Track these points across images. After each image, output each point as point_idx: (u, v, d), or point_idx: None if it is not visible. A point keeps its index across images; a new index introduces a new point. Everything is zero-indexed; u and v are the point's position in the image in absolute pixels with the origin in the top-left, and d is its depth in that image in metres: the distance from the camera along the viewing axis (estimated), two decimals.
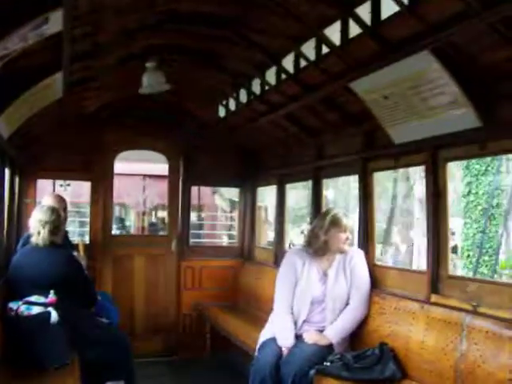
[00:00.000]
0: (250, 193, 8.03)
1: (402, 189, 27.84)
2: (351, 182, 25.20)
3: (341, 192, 28.28)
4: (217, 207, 17.71)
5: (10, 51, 3.25)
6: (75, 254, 5.95)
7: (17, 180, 6.26)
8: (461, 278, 4.31)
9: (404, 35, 3.65)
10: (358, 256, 4.92)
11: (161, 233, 8.54)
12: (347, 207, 25.30)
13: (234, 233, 8.65)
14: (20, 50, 3.36)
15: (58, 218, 5.12)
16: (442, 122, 4.00)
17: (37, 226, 4.97)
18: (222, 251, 8.40)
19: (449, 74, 3.60)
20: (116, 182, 7.69)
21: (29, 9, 3.05)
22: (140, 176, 12.43)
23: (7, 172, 5.49)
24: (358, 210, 5.34)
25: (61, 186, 12.38)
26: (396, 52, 3.76)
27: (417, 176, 22.55)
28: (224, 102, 6.90)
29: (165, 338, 7.57)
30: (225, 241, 13.09)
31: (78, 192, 13.14)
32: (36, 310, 4.62)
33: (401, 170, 19.74)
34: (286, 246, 7.00)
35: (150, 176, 12.19)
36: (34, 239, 4.99)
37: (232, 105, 6.72)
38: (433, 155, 4.31)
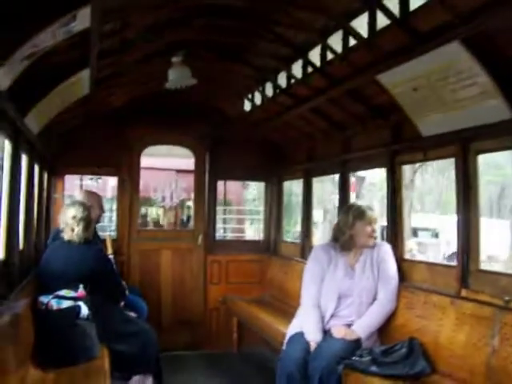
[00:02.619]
0: (276, 187, 8.01)
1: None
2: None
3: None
4: (245, 202, 17.75)
5: (38, 49, 3.27)
6: None
7: (45, 175, 6.33)
8: (492, 273, 4.23)
9: (433, 26, 3.59)
10: (385, 250, 4.88)
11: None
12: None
13: None
14: (49, 48, 3.39)
15: (89, 214, 5.18)
16: (473, 114, 3.94)
17: (70, 222, 5.02)
18: (248, 245, 8.41)
19: (479, 65, 3.53)
20: (142, 176, 7.73)
21: (57, 6, 3.07)
22: (167, 171, 12.47)
23: (36, 168, 5.56)
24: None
25: (91, 179, 12.53)
26: (425, 43, 3.70)
27: None
28: (250, 96, 6.89)
29: (192, 332, 7.61)
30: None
31: (103, 187, 13.29)
32: (66, 303, 4.67)
33: None
34: (314, 240, 6.97)
35: (178, 171, 12.22)
36: (67, 236, 5.04)
37: (258, 99, 6.70)
38: (463, 148, 4.24)
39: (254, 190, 18.97)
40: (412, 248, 18.61)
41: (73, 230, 5.01)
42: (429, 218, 25.87)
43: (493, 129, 3.88)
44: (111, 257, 6.00)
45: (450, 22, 3.43)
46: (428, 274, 4.74)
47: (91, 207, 5.57)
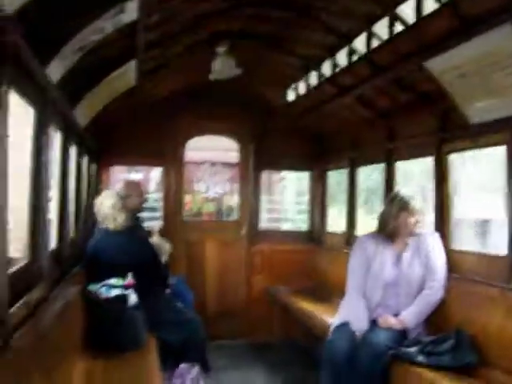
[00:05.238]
0: (321, 177, 7.97)
1: None
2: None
3: None
4: (283, 192, 17.72)
5: (88, 41, 3.34)
6: (156, 239, 6.10)
7: (94, 167, 6.46)
8: None
9: (483, 9, 3.49)
10: (433, 239, 4.79)
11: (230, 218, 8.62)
12: None
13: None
14: (97, 41, 3.45)
15: (124, 202, 5.24)
16: None
17: (110, 212, 5.11)
18: (292, 236, 8.40)
19: None
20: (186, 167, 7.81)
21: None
22: (207, 163, 12.58)
23: (85, 159, 5.68)
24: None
25: (136, 171, 12.72)
26: (475, 27, 3.60)
27: None
28: (294, 86, 6.87)
29: (236, 322, 7.66)
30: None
31: (146, 179, 13.53)
32: (115, 292, 4.76)
33: None
34: (359, 230, 6.91)
35: (219, 163, 12.31)
36: (110, 225, 5.13)
37: (302, 88, 6.67)
38: None
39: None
40: None
41: (115, 219, 5.10)
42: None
43: None
44: (167, 248, 6.10)
45: (502, 4, 3.33)
46: (477, 264, 4.64)
47: (129, 196, 5.61)
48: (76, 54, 3.38)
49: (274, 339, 7.58)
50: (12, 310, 2.75)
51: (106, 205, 5.14)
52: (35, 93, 3.24)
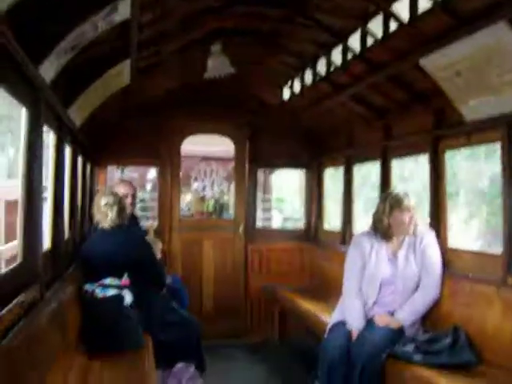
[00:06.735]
0: (316, 175, 7.97)
1: None
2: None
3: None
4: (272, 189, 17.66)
5: (81, 40, 3.32)
6: (149, 237, 6.10)
7: (88, 166, 6.44)
8: None
9: (478, 7, 3.48)
10: (428, 237, 4.79)
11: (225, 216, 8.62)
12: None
13: None
14: (91, 39, 3.44)
15: (120, 200, 5.24)
16: None
17: (104, 210, 5.10)
18: (289, 234, 8.39)
19: None
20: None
21: None
22: (203, 161, 12.49)
23: (80, 159, 5.66)
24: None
25: (129, 171, 12.67)
26: (469, 25, 3.59)
27: None
28: (289, 84, 6.86)
29: (233, 321, 7.66)
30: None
31: (143, 178, 13.46)
32: (111, 292, 4.74)
33: None
34: (354, 227, 6.90)
35: (215, 159, 12.22)
36: (103, 223, 5.12)
37: (297, 86, 6.66)
38: (508, 131, 4.12)
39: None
40: None
41: (107, 216, 5.08)
42: None
43: None
44: (159, 245, 6.08)
45: (495, 1, 3.32)
46: (472, 262, 4.64)
47: (126, 195, 5.67)
48: (69, 53, 3.37)
49: (272, 338, 7.57)
50: (4, 310, 2.74)
51: (100, 203, 5.13)
52: (27, 92, 3.22)
